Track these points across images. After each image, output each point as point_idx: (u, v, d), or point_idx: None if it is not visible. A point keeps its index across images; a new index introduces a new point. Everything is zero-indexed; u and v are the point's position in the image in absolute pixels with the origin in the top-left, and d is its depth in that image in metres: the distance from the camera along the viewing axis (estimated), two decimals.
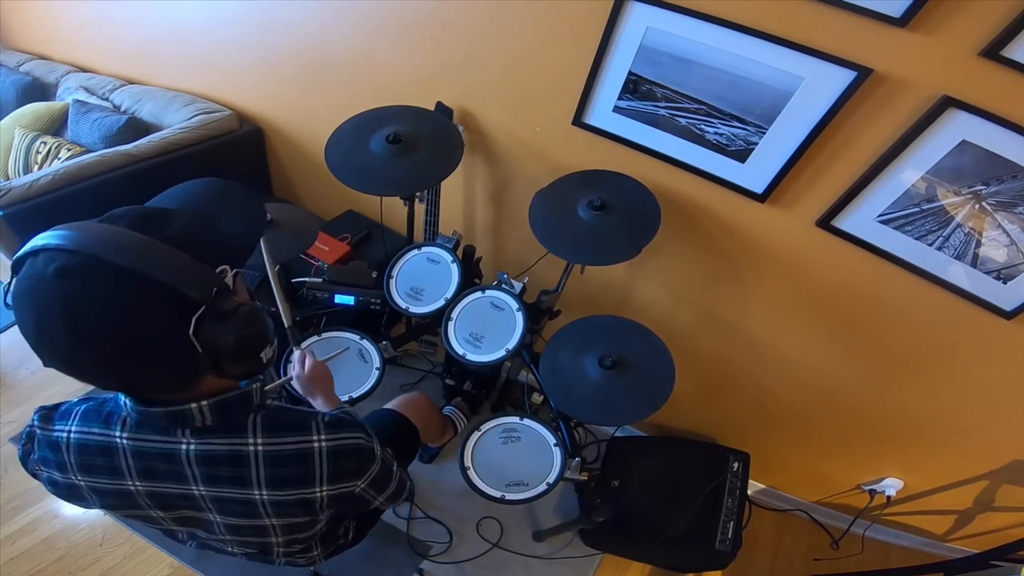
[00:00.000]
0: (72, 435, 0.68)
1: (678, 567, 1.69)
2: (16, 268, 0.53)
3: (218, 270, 0.59)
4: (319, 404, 1.05)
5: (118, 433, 0.66)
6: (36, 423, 0.71)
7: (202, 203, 0.65)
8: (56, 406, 0.72)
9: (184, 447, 0.66)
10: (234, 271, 0.62)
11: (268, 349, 0.64)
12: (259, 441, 0.67)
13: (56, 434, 0.69)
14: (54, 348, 0.53)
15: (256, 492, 0.69)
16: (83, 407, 0.70)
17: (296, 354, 1.10)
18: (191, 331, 0.54)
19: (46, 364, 0.55)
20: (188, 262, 0.55)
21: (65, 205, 1.70)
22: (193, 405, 0.62)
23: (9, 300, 0.54)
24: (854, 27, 0.95)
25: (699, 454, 1.72)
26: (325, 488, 0.71)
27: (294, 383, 1.08)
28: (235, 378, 0.63)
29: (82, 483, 0.70)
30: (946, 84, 0.94)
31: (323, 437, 0.70)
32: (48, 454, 0.70)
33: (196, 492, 0.70)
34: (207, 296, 0.55)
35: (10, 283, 0.54)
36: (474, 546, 1.64)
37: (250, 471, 0.67)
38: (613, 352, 1.23)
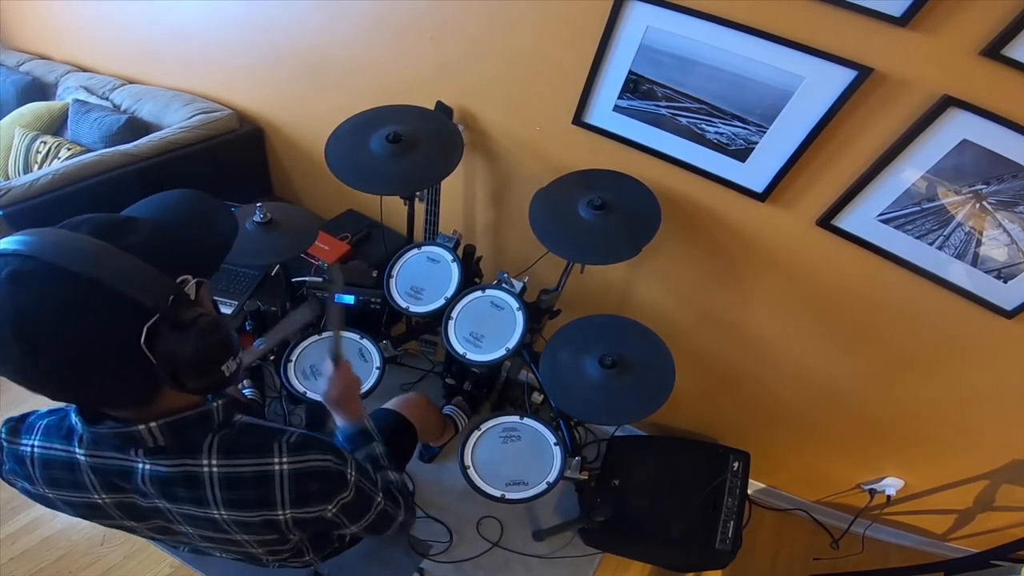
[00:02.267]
0: (36, 449, 0.67)
1: (678, 566, 1.69)
2: None
3: (179, 280, 0.57)
4: (340, 418, 1.01)
5: (77, 449, 0.64)
6: (3, 435, 0.70)
7: (170, 212, 0.63)
8: (23, 417, 0.71)
9: (140, 466, 0.64)
10: (197, 280, 0.60)
11: (231, 362, 0.61)
12: (214, 463, 0.64)
13: (21, 448, 0.68)
14: (6, 356, 0.50)
15: (215, 512, 0.67)
16: (45, 421, 0.68)
17: (329, 369, 1.03)
18: (142, 340, 0.52)
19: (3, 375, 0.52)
20: (143, 269, 0.53)
21: (65, 205, 1.70)
22: (142, 427, 0.60)
23: None
24: (854, 26, 0.95)
25: (699, 453, 1.72)
26: (289, 512, 0.68)
27: (323, 399, 1.03)
28: (198, 392, 0.60)
29: (51, 496, 0.69)
30: (946, 83, 0.94)
31: (285, 460, 0.66)
32: (16, 467, 0.69)
33: (161, 506, 0.68)
34: (163, 304, 0.53)
35: None
36: (474, 545, 1.64)
37: (206, 492, 0.65)
38: (613, 352, 1.23)
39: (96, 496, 0.67)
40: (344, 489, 0.72)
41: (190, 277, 0.58)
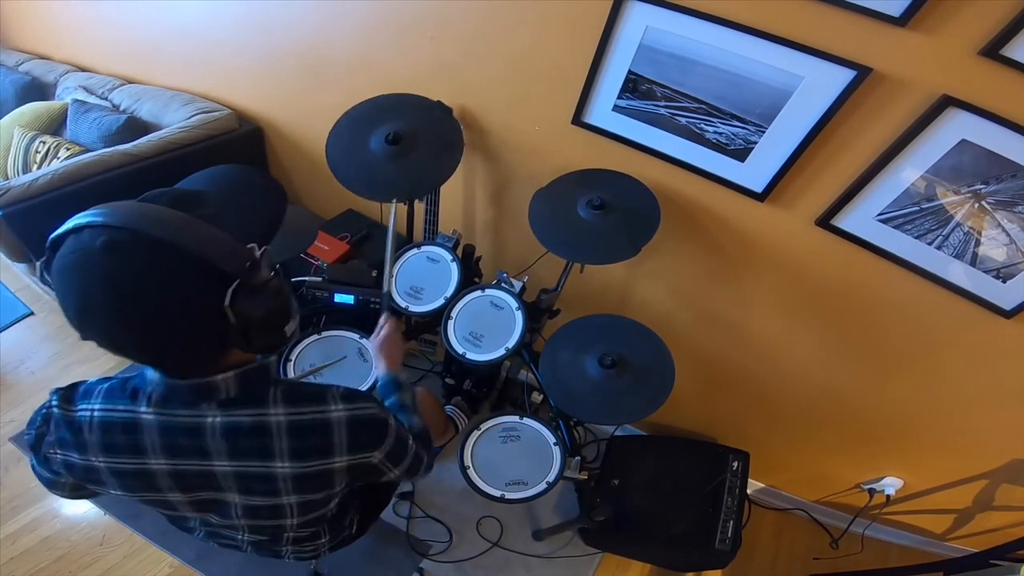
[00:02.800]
0: (95, 413, 0.68)
1: (678, 566, 1.69)
2: (55, 246, 0.55)
3: (248, 246, 0.61)
4: (380, 367, 1.11)
5: (144, 409, 0.67)
6: (55, 403, 0.70)
7: (229, 185, 0.69)
8: (74, 386, 0.72)
9: (210, 419, 0.67)
10: (261, 248, 0.64)
11: (292, 323, 0.67)
12: (280, 411, 0.68)
13: (79, 414, 0.69)
14: (99, 320, 0.55)
15: (279, 464, 0.70)
16: (105, 385, 0.70)
17: (382, 319, 1.18)
18: (227, 303, 0.57)
19: (84, 336, 0.57)
20: (224, 237, 0.59)
21: (64, 204, 1.69)
22: (219, 376, 0.65)
23: (50, 276, 0.56)
24: (854, 26, 0.95)
25: (699, 453, 1.72)
26: (345, 458, 0.73)
27: (371, 342, 1.18)
28: (260, 351, 0.65)
29: (101, 464, 0.70)
30: (946, 83, 0.94)
31: (340, 407, 0.71)
32: (67, 435, 0.69)
33: (218, 469, 0.70)
34: (242, 270, 0.58)
35: (49, 260, 0.56)
36: (474, 545, 1.64)
37: (273, 442, 0.69)
38: (613, 351, 1.23)
39: (152, 461, 0.69)
40: (388, 434, 0.77)
41: (255, 245, 0.63)
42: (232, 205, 0.65)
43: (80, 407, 0.69)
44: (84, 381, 0.73)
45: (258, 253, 0.63)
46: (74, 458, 0.70)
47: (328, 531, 0.98)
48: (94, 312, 0.55)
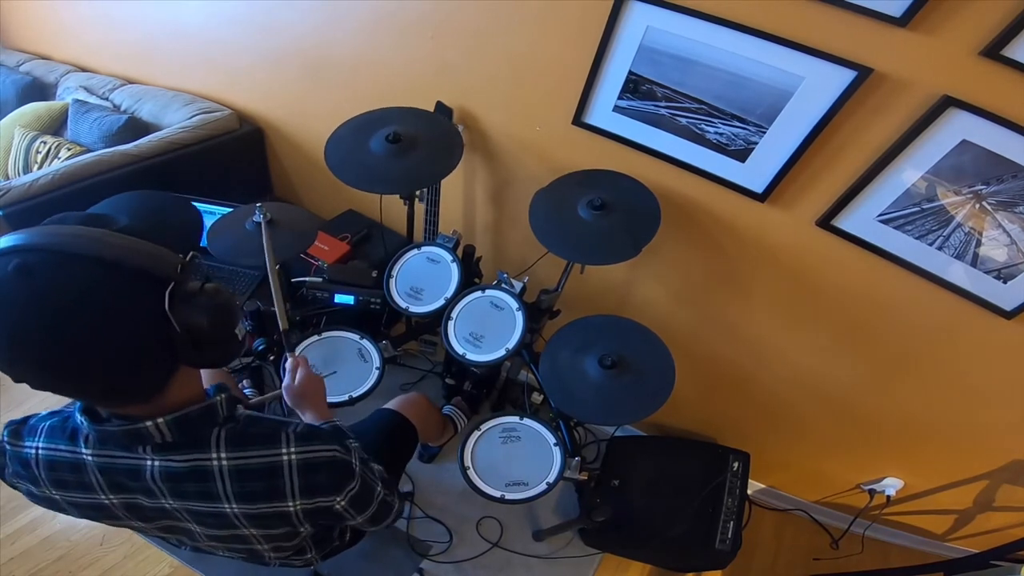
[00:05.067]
0: (40, 451, 0.66)
1: (678, 567, 1.69)
2: None
3: (174, 253, 0.58)
4: (308, 418, 0.98)
5: (83, 450, 0.64)
6: (6, 438, 0.69)
7: (129, 211, 0.66)
8: (25, 420, 0.70)
9: (148, 463, 0.64)
10: (189, 255, 0.60)
11: (240, 326, 0.63)
12: (223, 456, 0.65)
13: (25, 451, 0.67)
14: (32, 352, 0.50)
15: (226, 506, 0.67)
16: (48, 423, 0.68)
17: (288, 362, 1.01)
18: (166, 305, 0.53)
19: (16, 376, 0.52)
20: (148, 244, 0.55)
21: (65, 204, 1.69)
22: (149, 423, 0.60)
23: None
24: (854, 27, 0.95)
25: (699, 454, 1.72)
26: (299, 503, 0.69)
27: (284, 395, 1.01)
28: (215, 364, 0.63)
29: (57, 497, 0.69)
30: (946, 84, 0.94)
31: (293, 450, 0.67)
32: (20, 469, 0.69)
33: (168, 506, 0.68)
34: (174, 272, 0.55)
35: None
36: (474, 546, 1.64)
37: (216, 486, 0.65)
38: (613, 352, 1.23)
39: (103, 497, 0.67)
40: (351, 479, 0.72)
41: (181, 253, 0.60)
42: (140, 222, 0.62)
43: (26, 444, 0.67)
44: (35, 415, 0.71)
45: (186, 258, 0.59)
46: (32, 489, 0.70)
47: (314, 547, 0.94)
48: (23, 344, 0.50)
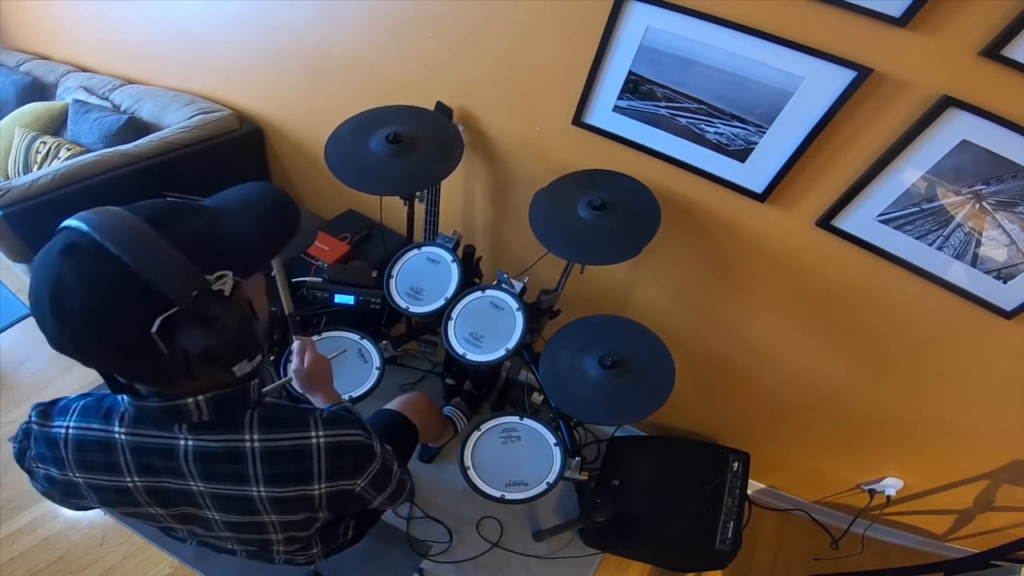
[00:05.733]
0: (71, 431, 0.68)
1: (678, 567, 1.69)
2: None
3: (217, 275, 0.56)
4: (318, 401, 1.01)
5: (117, 429, 0.66)
6: (33, 419, 0.70)
7: (238, 206, 0.64)
8: (54, 402, 0.72)
9: (182, 443, 0.65)
10: (236, 279, 0.58)
11: (245, 364, 0.62)
12: (256, 437, 0.67)
13: (54, 430, 0.68)
14: (41, 318, 0.54)
15: (254, 489, 0.69)
16: (81, 403, 0.70)
17: (296, 344, 1.03)
18: (154, 329, 0.52)
19: (53, 347, 0.56)
20: (176, 261, 0.54)
21: (65, 205, 1.69)
22: (190, 400, 0.62)
23: None
24: (854, 27, 0.95)
25: (699, 454, 1.72)
26: (324, 485, 0.71)
27: (292, 379, 1.03)
28: (208, 386, 0.62)
29: (80, 480, 0.70)
30: (946, 84, 0.94)
31: (321, 433, 0.69)
32: (45, 451, 0.69)
33: (195, 488, 0.69)
34: (184, 298, 0.54)
35: None
36: (474, 546, 1.64)
37: (247, 467, 0.67)
38: (613, 352, 1.23)
39: (127, 479, 0.68)
40: (373, 461, 0.75)
41: (229, 273, 0.57)
42: (224, 226, 0.60)
43: (56, 424, 0.69)
44: (64, 397, 0.72)
45: (227, 281, 0.57)
46: (54, 473, 0.70)
47: (320, 542, 0.97)
48: (39, 313, 0.54)
